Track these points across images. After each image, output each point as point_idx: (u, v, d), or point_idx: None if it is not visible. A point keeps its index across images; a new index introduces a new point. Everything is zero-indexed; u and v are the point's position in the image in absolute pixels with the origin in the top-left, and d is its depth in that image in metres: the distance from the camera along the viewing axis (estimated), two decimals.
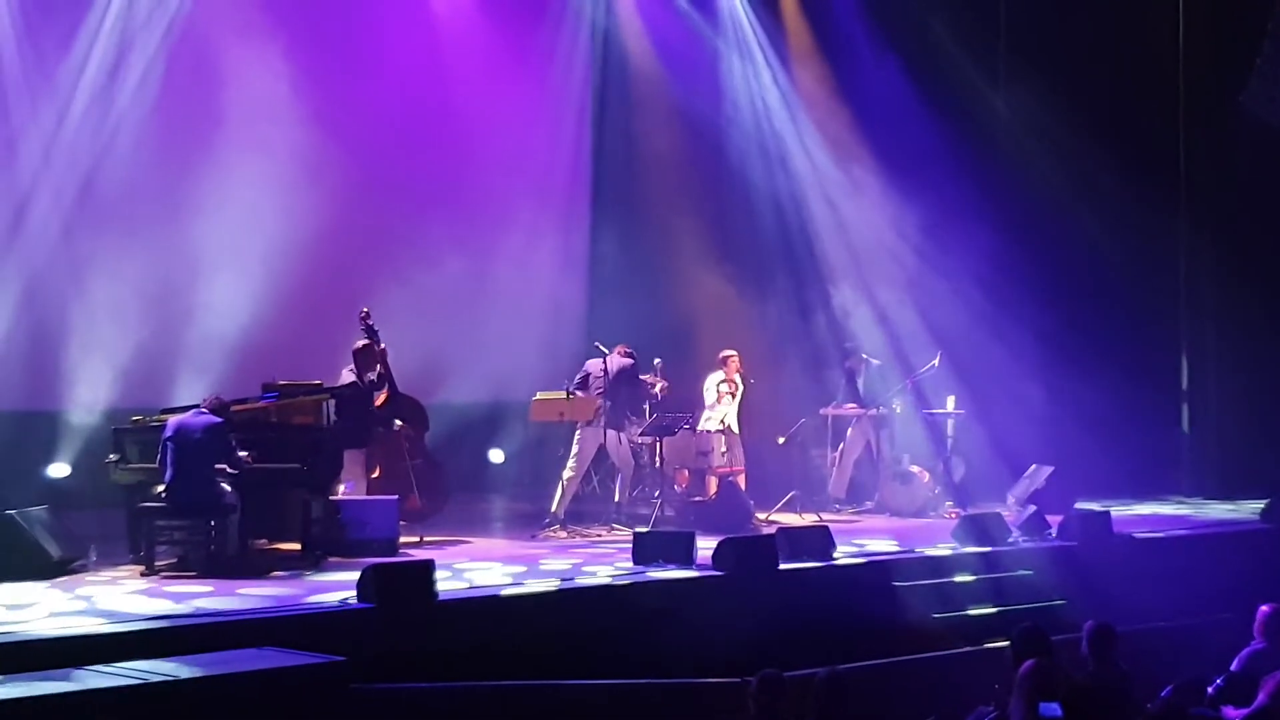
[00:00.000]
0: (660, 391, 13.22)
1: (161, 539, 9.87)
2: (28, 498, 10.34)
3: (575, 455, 12.39)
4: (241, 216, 12.48)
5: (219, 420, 9.91)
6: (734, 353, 13.51)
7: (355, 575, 8.70)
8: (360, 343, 11.62)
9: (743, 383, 13.45)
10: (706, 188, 15.57)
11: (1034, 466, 13.76)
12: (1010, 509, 13.01)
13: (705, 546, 10.14)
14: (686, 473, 13.23)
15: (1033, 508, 12.28)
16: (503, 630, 8.77)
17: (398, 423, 11.74)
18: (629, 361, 12.68)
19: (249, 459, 10.10)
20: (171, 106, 12.74)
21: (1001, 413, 14.29)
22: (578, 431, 12.43)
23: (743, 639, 8.90)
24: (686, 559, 10.04)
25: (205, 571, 9.63)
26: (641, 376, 12.92)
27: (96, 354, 11.88)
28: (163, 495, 9.82)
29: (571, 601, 9.28)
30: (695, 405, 13.44)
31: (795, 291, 15.55)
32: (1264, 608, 8.08)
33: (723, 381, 13.39)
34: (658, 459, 12.61)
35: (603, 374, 12.41)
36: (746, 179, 15.70)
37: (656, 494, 12.51)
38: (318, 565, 10.09)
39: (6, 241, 12.00)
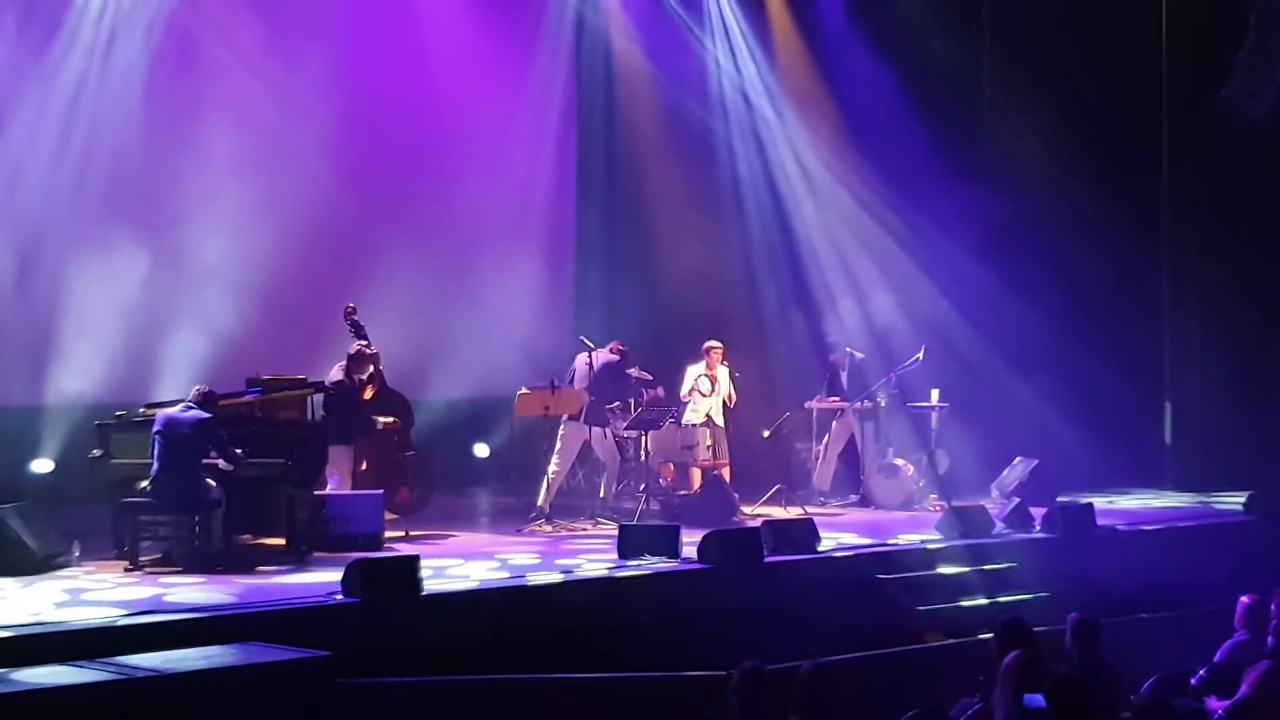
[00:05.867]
0: (647, 388, 13.14)
1: (146, 534, 9.86)
2: (10, 493, 10.30)
3: (559, 450, 12.38)
4: (225, 211, 12.42)
5: (208, 415, 9.87)
6: (718, 344, 13.48)
7: (340, 570, 8.70)
8: (357, 345, 11.60)
9: (728, 374, 13.42)
10: (693, 180, 15.55)
11: (1018, 459, 13.80)
12: (994, 502, 13.05)
13: (690, 540, 10.17)
14: (671, 466, 13.21)
15: (1017, 500, 12.33)
16: (488, 624, 8.77)
17: (381, 421, 11.70)
18: (614, 357, 12.67)
19: (242, 454, 10.07)
20: (156, 102, 12.67)
21: (986, 406, 14.32)
22: (561, 427, 12.43)
23: (728, 632, 8.91)
24: (672, 552, 10.06)
25: (190, 566, 9.63)
26: (629, 371, 12.89)
27: (80, 349, 11.82)
28: (148, 490, 9.80)
29: (557, 595, 9.29)
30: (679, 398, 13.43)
31: (781, 285, 15.55)
32: (1244, 599, 8.13)
33: (703, 375, 13.36)
34: (643, 453, 12.61)
35: (588, 369, 12.40)
36: (733, 173, 15.70)
37: (641, 488, 12.51)
38: (303, 560, 10.08)
39: None
